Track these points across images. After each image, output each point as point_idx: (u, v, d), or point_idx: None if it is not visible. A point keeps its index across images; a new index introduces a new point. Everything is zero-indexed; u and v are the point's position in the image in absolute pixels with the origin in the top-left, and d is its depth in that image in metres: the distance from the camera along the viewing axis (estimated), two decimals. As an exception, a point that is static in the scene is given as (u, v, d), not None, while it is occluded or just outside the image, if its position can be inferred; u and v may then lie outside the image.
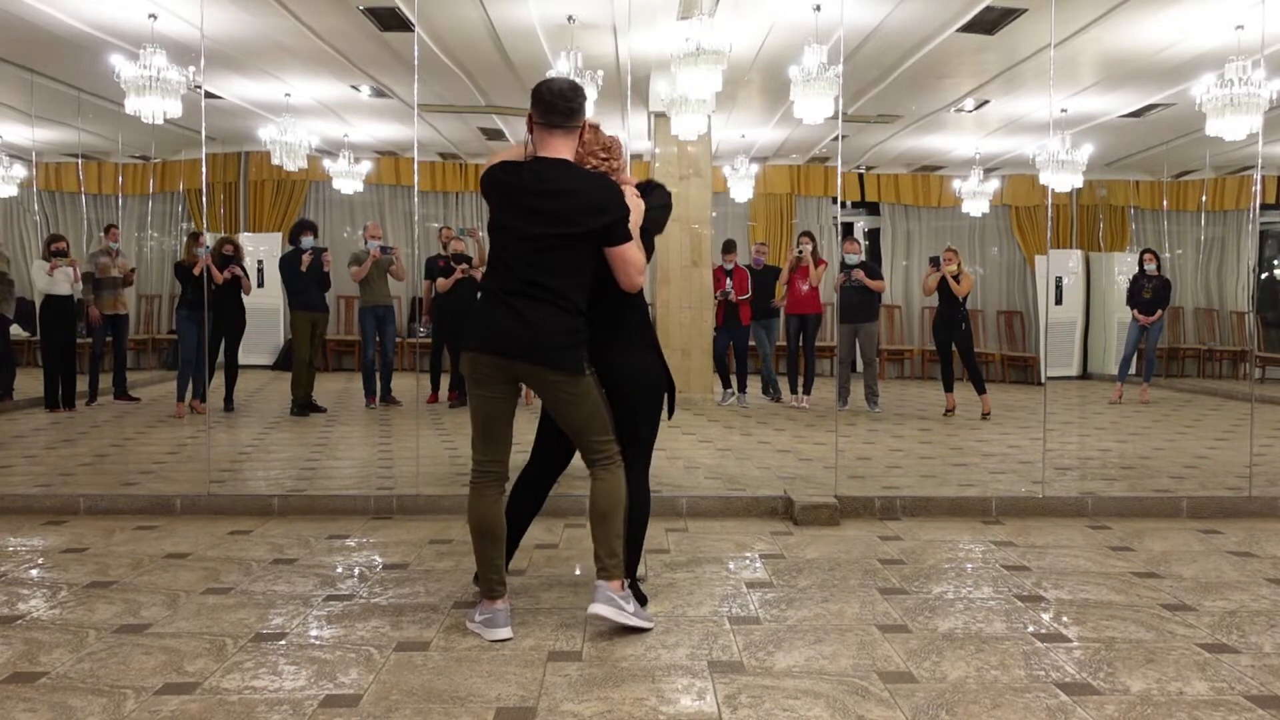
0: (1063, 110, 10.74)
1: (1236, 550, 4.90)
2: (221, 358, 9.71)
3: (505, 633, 3.51)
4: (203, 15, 7.46)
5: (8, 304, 9.92)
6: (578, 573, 4.40)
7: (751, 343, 11.19)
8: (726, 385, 11.01)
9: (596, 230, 3.52)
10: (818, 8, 7.79)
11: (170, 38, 8.48)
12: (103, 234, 10.73)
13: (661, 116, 10.62)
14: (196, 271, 8.96)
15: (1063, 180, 11.43)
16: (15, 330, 12.42)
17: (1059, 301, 14.00)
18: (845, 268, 10.06)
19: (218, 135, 13.58)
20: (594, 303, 3.61)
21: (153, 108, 8.38)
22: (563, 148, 3.60)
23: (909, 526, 5.36)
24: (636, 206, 3.68)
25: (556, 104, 3.57)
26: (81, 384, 9.99)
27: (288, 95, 11.15)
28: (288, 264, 9.60)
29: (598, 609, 3.51)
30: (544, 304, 3.47)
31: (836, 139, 12.58)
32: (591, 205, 3.53)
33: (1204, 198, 14.31)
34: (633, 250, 3.60)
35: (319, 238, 10.23)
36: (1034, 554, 4.80)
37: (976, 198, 13.28)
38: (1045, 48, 7.98)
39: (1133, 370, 11.57)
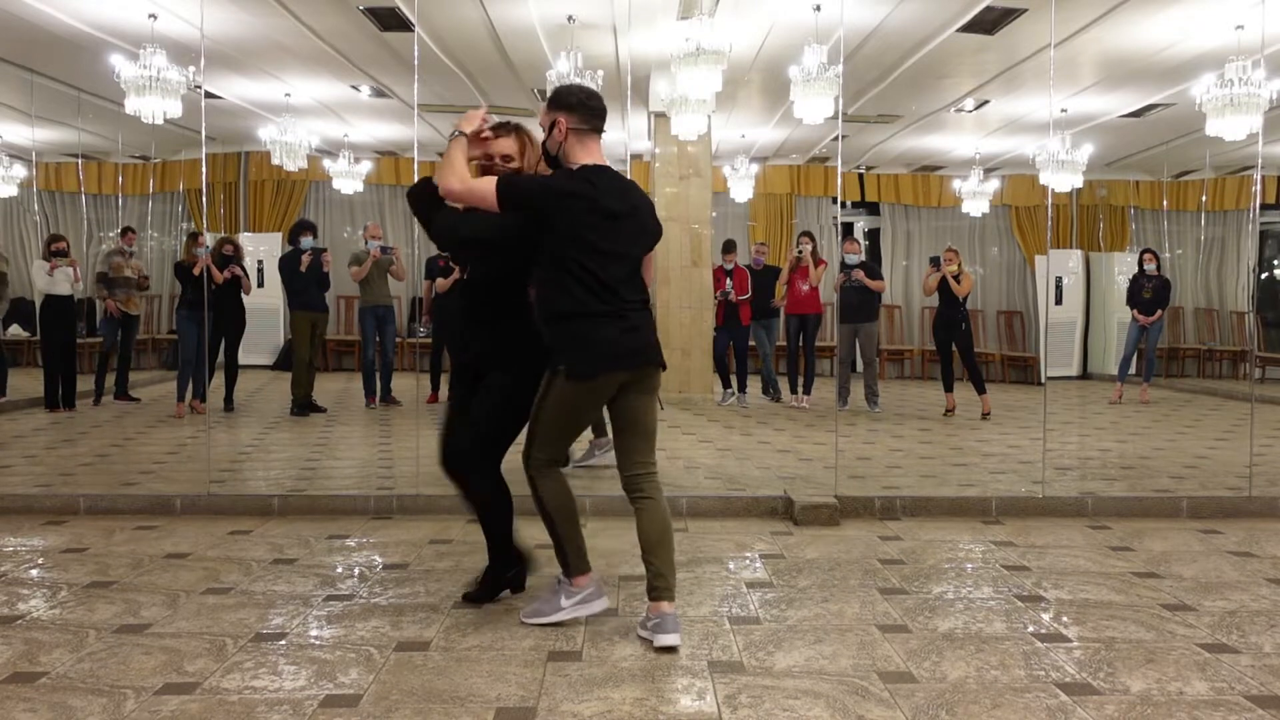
0: (1063, 110, 10.74)
1: (1236, 550, 4.90)
2: (221, 358, 9.71)
3: (603, 605, 3.67)
4: (203, 15, 7.45)
5: (1, 304, 9.93)
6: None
7: (751, 343, 11.20)
8: (726, 385, 11.01)
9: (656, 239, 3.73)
10: (818, 8, 7.79)
11: (170, 38, 8.48)
12: (118, 235, 10.74)
13: (661, 116, 10.63)
14: (196, 271, 8.96)
15: (1063, 180, 11.43)
16: (15, 330, 12.45)
17: (1059, 301, 14.00)
18: (845, 268, 10.06)
19: (218, 135, 13.58)
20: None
21: (153, 108, 8.38)
22: (600, 153, 3.62)
23: (909, 526, 5.36)
24: None
25: (597, 106, 3.61)
26: (87, 383, 9.99)
27: (288, 95, 11.15)
28: (287, 264, 9.60)
29: (675, 639, 3.41)
30: (645, 311, 3.63)
31: (836, 139, 12.58)
32: (654, 215, 3.73)
33: (1204, 198, 14.30)
34: None
35: (318, 238, 10.23)
36: (1034, 554, 4.80)
37: (976, 198, 13.28)
38: (1045, 48, 7.97)
39: (1133, 370, 11.57)
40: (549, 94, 3.68)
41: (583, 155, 3.56)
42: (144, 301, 11.00)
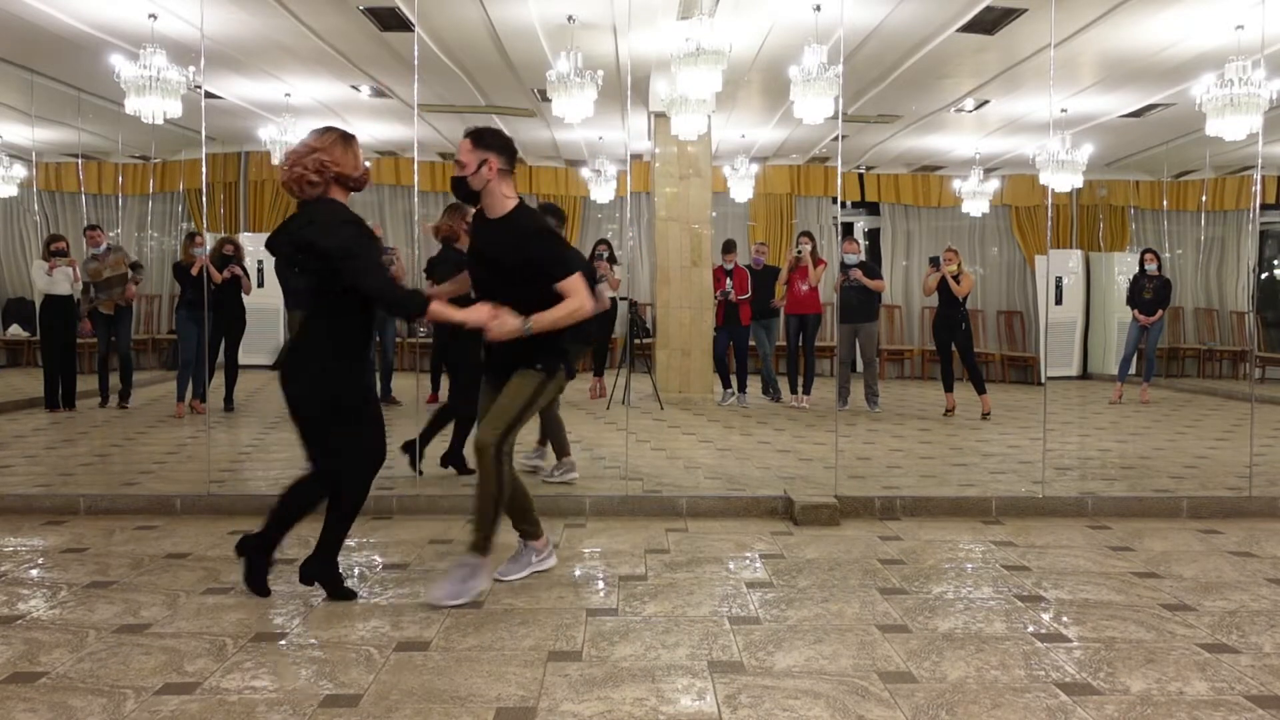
0: (1063, 110, 10.74)
1: (1236, 550, 4.90)
2: (221, 358, 9.70)
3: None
4: (203, 15, 7.45)
5: None
6: (577, 574, 4.41)
7: (751, 343, 11.20)
8: (726, 385, 11.01)
9: None
10: (818, 8, 7.79)
11: (170, 38, 8.48)
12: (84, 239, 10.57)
13: (661, 116, 10.63)
14: (195, 272, 8.95)
15: (1063, 180, 11.42)
16: (15, 330, 12.44)
17: (1059, 301, 14.00)
18: (844, 268, 10.06)
19: (218, 135, 13.57)
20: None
21: (153, 108, 8.37)
22: (515, 191, 4.11)
23: (909, 526, 5.36)
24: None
25: (515, 151, 4.08)
26: (87, 383, 9.97)
27: (288, 95, 11.15)
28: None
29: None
30: None
31: (836, 139, 12.58)
32: None
33: (1204, 198, 14.31)
34: None
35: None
36: (1034, 554, 4.80)
37: (976, 198, 13.28)
38: (1045, 48, 7.97)
39: (1133, 370, 11.57)
40: (474, 133, 4.03)
41: (509, 191, 4.03)
42: (142, 302, 10.88)
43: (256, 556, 3.97)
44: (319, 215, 3.80)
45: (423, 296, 3.88)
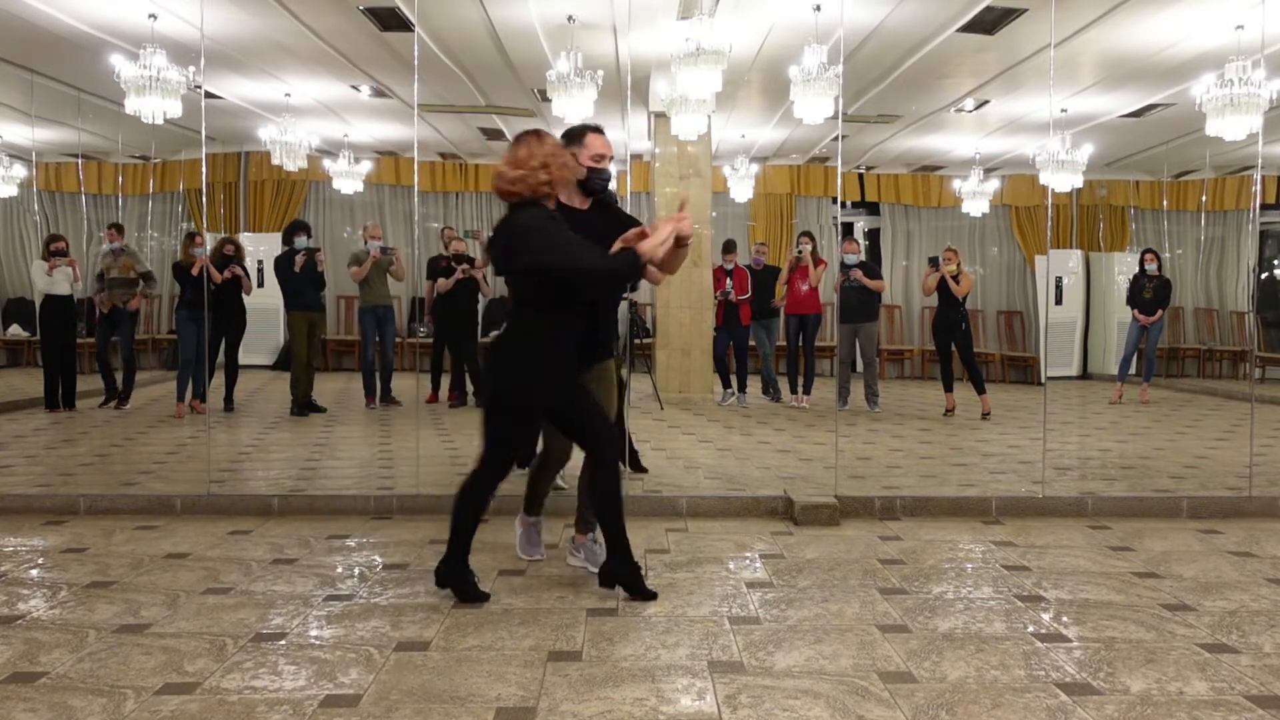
0: (1063, 110, 10.74)
1: (1236, 550, 4.90)
2: (221, 358, 9.71)
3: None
4: (203, 15, 7.45)
5: None
6: (577, 574, 4.40)
7: (751, 343, 11.20)
8: (726, 385, 11.01)
9: None
10: (818, 8, 7.79)
11: (170, 38, 8.48)
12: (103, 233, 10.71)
13: (661, 116, 10.62)
14: (194, 272, 8.96)
15: (1063, 180, 11.42)
16: (15, 330, 12.44)
17: (1059, 301, 14.00)
18: (844, 268, 10.07)
19: (218, 135, 13.58)
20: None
21: (153, 108, 8.37)
22: None
23: (909, 526, 5.36)
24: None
25: None
26: (86, 383, 9.97)
27: (288, 95, 11.15)
28: (282, 265, 9.62)
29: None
30: None
31: (836, 139, 12.58)
32: None
33: (1204, 198, 14.31)
34: None
35: (313, 237, 10.25)
36: (1034, 554, 4.80)
37: (976, 198, 13.28)
38: (1045, 48, 7.97)
39: (1133, 370, 11.57)
40: (603, 130, 4.33)
41: None
42: (142, 302, 10.91)
43: (460, 575, 3.93)
44: (534, 224, 3.85)
45: (632, 253, 3.98)
